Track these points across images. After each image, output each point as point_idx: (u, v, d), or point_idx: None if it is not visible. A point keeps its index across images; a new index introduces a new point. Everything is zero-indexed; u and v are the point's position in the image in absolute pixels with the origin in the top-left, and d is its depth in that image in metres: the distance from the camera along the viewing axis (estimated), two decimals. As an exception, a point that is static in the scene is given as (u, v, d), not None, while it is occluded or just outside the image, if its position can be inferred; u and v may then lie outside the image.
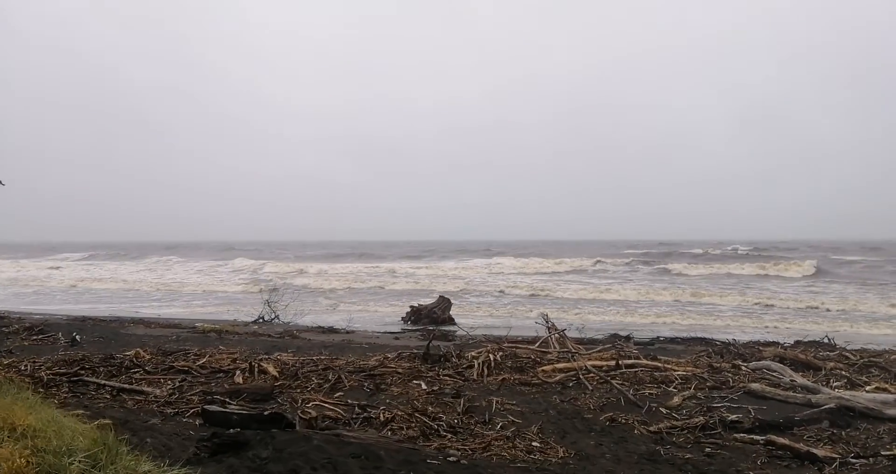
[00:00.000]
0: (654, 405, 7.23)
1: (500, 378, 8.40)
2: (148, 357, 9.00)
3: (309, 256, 66.22)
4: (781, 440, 5.81)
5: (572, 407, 7.14)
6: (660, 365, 9.28)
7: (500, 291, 30.58)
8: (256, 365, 8.19)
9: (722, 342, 14.17)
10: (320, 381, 7.72)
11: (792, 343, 14.06)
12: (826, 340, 13.78)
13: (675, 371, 8.95)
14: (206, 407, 5.62)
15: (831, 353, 10.75)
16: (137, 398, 6.88)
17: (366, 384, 7.73)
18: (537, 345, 10.24)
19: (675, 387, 8.20)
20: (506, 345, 9.98)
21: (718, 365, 9.42)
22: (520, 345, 10.09)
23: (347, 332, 16.87)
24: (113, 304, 26.51)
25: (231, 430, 5.27)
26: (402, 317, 20.54)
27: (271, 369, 8.10)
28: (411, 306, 20.89)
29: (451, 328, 18.81)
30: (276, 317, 19.83)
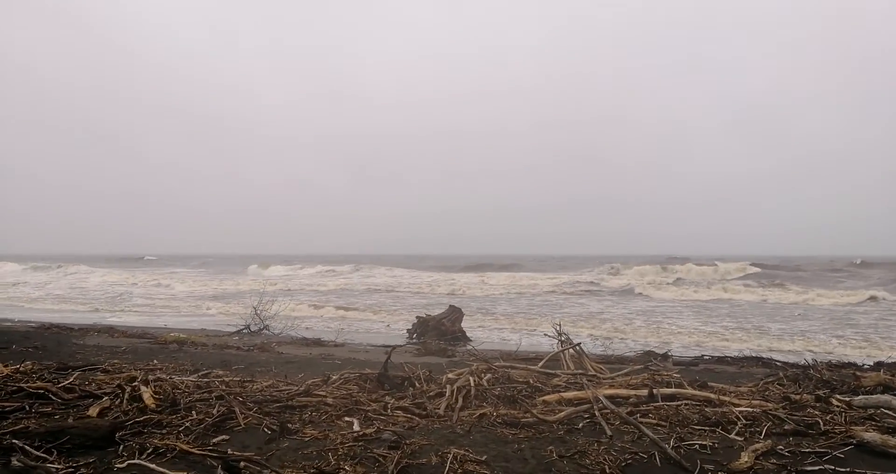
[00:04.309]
0: (710, 467, 4.49)
1: (479, 413, 5.77)
2: (7, 372, 6.66)
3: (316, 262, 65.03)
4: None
5: (576, 470, 4.45)
6: (713, 396, 6.50)
7: (510, 305, 27.83)
8: (129, 389, 5.74)
9: (786, 362, 11.28)
10: (202, 416, 5.21)
11: (872, 364, 11.08)
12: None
13: (736, 406, 6.17)
14: None
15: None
16: None
17: (268, 421, 5.19)
18: (541, 364, 7.54)
19: (738, 433, 5.43)
20: (498, 364, 7.31)
21: (798, 397, 6.59)
22: (517, 365, 7.41)
23: (335, 345, 14.60)
24: (119, 314, 24.70)
25: None
26: (408, 329, 18.24)
27: (147, 396, 5.64)
28: (417, 317, 18.50)
29: (459, 342, 16.43)
30: (266, 327, 17.62)
